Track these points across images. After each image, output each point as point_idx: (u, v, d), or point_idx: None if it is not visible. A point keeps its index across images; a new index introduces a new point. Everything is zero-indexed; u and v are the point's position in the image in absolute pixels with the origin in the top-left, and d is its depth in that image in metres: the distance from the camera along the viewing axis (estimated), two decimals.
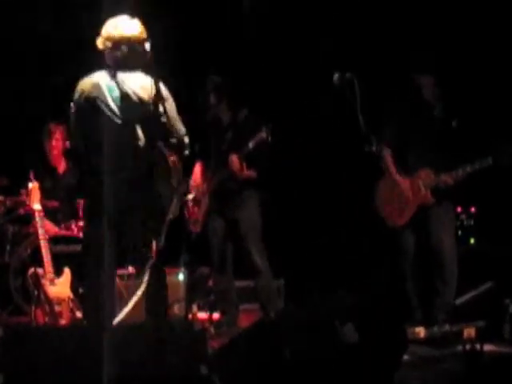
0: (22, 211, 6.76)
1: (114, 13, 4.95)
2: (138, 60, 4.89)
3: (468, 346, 5.01)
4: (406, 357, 4.77)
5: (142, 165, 4.83)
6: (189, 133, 4.98)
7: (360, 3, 7.57)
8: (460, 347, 5.16)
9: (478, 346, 4.99)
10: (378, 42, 7.53)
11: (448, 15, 7.24)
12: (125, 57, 4.88)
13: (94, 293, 4.81)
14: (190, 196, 6.44)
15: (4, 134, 7.58)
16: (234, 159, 6.19)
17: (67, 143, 7.04)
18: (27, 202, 6.40)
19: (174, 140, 4.86)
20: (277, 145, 6.27)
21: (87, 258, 4.92)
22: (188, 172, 6.47)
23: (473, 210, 7.36)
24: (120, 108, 4.83)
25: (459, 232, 7.16)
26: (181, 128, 4.93)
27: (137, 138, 4.83)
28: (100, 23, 4.94)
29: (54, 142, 7.11)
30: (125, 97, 4.85)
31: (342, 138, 7.09)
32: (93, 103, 4.83)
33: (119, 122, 4.82)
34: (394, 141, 6.15)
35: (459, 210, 7.17)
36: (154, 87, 4.78)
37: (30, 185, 6.24)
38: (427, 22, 7.28)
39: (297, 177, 7.76)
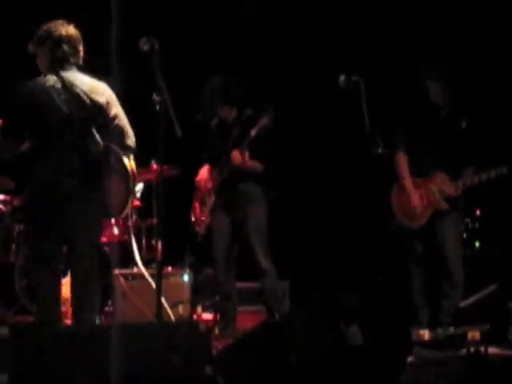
0: None
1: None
2: (78, 59, 5.00)
3: (472, 349, 5.02)
4: (410, 359, 4.77)
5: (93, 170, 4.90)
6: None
7: (368, 5, 7.57)
8: (464, 350, 5.16)
9: (482, 349, 5.00)
10: (386, 44, 7.52)
11: (457, 19, 7.24)
12: (66, 55, 4.94)
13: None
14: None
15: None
16: (235, 153, 6.18)
17: None
18: None
19: (129, 142, 4.97)
20: (281, 144, 6.28)
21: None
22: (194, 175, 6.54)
23: (478, 213, 7.35)
24: (70, 109, 4.85)
25: (464, 235, 7.15)
26: (130, 131, 5.01)
27: (95, 142, 4.86)
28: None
29: None
30: (76, 98, 4.87)
31: (348, 140, 7.09)
32: (37, 108, 4.84)
33: (73, 124, 4.85)
34: (406, 144, 6.13)
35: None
36: (107, 90, 4.95)
37: None
38: (436, 25, 7.28)
39: (301, 178, 7.76)
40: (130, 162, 4.97)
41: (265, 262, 6.31)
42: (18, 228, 6.78)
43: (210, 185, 6.44)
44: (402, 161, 6.12)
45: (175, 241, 5.68)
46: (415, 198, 6.03)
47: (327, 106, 7.47)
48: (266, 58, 7.74)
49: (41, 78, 4.92)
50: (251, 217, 6.31)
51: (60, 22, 5.00)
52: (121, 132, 4.95)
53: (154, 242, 6.51)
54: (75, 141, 4.84)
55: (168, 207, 4.95)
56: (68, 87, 4.84)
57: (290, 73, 7.58)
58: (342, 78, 5.60)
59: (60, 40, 4.94)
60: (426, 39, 7.20)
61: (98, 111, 4.90)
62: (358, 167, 7.04)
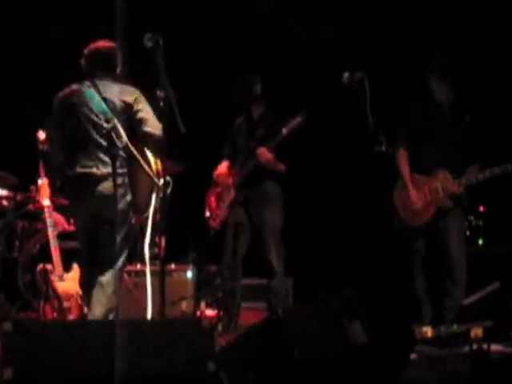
0: (31, 207, 6.78)
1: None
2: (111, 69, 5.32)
3: (475, 346, 5.01)
4: (413, 356, 4.78)
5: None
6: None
7: (374, 2, 7.57)
8: (467, 347, 5.15)
9: (485, 346, 4.99)
10: (391, 41, 7.52)
11: (463, 16, 7.23)
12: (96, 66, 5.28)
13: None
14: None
15: (13, 131, 7.62)
16: (263, 150, 6.24)
17: None
18: (37, 198, 6.42)
19: (152, 130, 5.08)
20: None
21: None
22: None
23: (481, 210, 7.35)
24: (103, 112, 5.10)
25: (467, 232, 7.15)
26: (156, 122, 5.12)
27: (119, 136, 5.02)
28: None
29: None
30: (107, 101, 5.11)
31: (351, 138, 7.08)
32: (71, 110, 5.17)
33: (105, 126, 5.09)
34: (408, 140, 6.13)
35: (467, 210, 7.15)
36: (136, 92, 5.22)
37: (40, 181, 6.26)
38: (441, 22, 7.28)
39: (305, 175, 7.76)
40: (155, 160, 5.09)
41: (276, 263, 6.35)
42: (21, 224, 6.80)
43: (229, 180, 6.48)
44: (402, 158, 6.13)
45: (179, 237, 5.68)
46: (413, 195, 6.03)
47: (331, 102, 7.47)
48: (268, 54, 7.74)
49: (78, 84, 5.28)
50: (268, 217, 6.39)
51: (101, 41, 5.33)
52: (144, 122, 5.10)
53: (157, 239, 6.51)
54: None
55: (171, 203, 4.96)
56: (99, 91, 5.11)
57: (293, 69, 7.57)
58: (346, 74, 5.59)
59: (90, 53, 5.32)
60: (429, 35, 7.19)
61: (126, 109, 5.13)
62: (361, 164, 7.05)
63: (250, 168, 6.36)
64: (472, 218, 7.28)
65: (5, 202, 6.79)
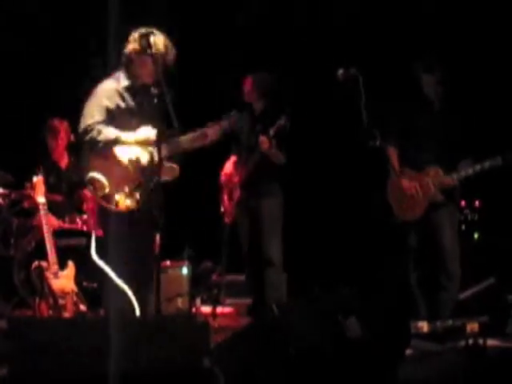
0: (26, 204, 6.77)
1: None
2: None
3: (471, 341, 5.02)
4: (408, 351, 4.78)
5: None
6: None
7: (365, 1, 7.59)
8: (463, 342, 5.16)
9: (480, 341, 5.00)
10: (382, 39, 7.53)
11: (453, 15, 7.25)
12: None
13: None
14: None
15: (8, 129, 7.63)
16: (263, 139, 6.30)
17: (71, 137, 7.10)
18: (32, 195, 6.41)
19: None
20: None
21: None
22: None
23: (477, 204, 7.35)
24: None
25: (463, 226, 7.15)
26: None
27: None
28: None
29: (59, 139, 7.18)
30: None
31: (345, 133, 7.09)
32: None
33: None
34: (397, 138, 6.14)
35: (463, 204, 7.16)
36: None
37: (35, 178, 6.25)
38: (431, 20, 7.29)
39: (299, 171, 7.76)
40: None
41: (272, 252, 6.42)
42: (16, 221, 6.79)
43: (236, 179, 6.55)
44: (392, 154, 6.14)
45: (174, 234, 5.67)
46: (405, 182, 6.03)
47: (325, 98, 7.48)
48: (263, 52, 7.74)
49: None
50: (264, 205, 6.50)
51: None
52: None
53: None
54: None
55: (167, 201, 4.95)
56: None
57: (288, 66, 7.57)
58: (341, 71, 5.61)
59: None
60: (421, 33, 7.21)
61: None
62: (356, 160, 7.06)
63: (252, 164, 6.42)
64: (468, 211, 7.28)
65: (0, 200, 6.77)
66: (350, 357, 4.15)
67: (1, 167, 6.77)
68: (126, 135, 5.06)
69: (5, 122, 7.64)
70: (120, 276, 4.94)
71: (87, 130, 5.01)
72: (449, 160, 5.93)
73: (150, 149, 5.00)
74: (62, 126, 7.15)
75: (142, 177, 5.00)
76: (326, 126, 7.78)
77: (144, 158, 5.04)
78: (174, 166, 5.14)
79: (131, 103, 5.17)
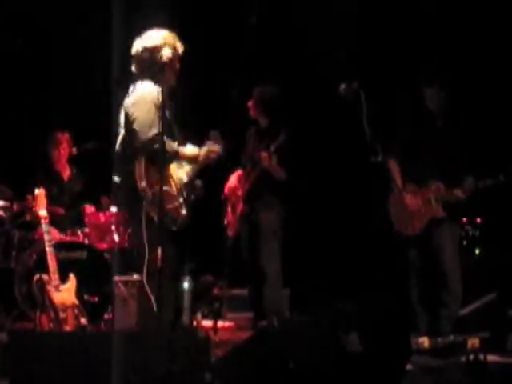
0: (28, 217, 6.77)
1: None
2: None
3: (472, 357, 5.01)
4: (409, 367, 4.77)
5: None
6: None
7: (368, 14, 7.58)
8: (464, 358, 5.15)
9: (481, 357, 4.99)
10: (386, 53, 7.54)
11: (456, 27, 7.25)
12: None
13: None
14: None
15: (10, 141, 7.64)
16: (264, 154, 6.35)
17: (73, 150, 7.12)
18: (33, 208, 6.40)
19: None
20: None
21: None
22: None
23: (478, 220, 7.35)
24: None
25: (464, 242, 7.15)
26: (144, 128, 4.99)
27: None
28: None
29: (61, 150, 7.21)
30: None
31: (347, 148, 7.10)
32: None
33: None
34: (400, 152, 6.14)
35: (464, 220, 7.16)
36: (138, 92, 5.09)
37: (37, 191, 6.24)
38: (435, 33, 7.29)
39: (301, 186, 7.76)
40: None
41: (268, 268, 6.42)
42: (18, 234, 6.78)
43: (239, 192, 6.60)
44: (393, 168, 6.14)
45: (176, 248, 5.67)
46: (408, 197, 6.03)
47: (327, 113, 7.48)
48: (265, 65, 7.75)
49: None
50: (263, 220, 6.55)
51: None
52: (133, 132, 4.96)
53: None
54: None
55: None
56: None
57: (290, 81, 7.58)
58: (343, 85, 5.62)
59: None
60: (424, 47, 7.21)
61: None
62: (358, 175, 7.06)
63: (253, 178, 6.48)
64: (469, 227, 7.27)
65: (1, 213, 6.77)
66: (351, 372, 4.14)
67: (1, 180, 6.78)
68: (182, 150, 5.06)
69: (5, 133, 7.64)
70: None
71: (155, 140, 4.80)
72: (451, 175, 5.93)
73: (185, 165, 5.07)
74: (64, 138, 7.20)
75: (183, 195, 5.02)
76: (328, 141, 7.78)
77: (181, 175, 5.08)
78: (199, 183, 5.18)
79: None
